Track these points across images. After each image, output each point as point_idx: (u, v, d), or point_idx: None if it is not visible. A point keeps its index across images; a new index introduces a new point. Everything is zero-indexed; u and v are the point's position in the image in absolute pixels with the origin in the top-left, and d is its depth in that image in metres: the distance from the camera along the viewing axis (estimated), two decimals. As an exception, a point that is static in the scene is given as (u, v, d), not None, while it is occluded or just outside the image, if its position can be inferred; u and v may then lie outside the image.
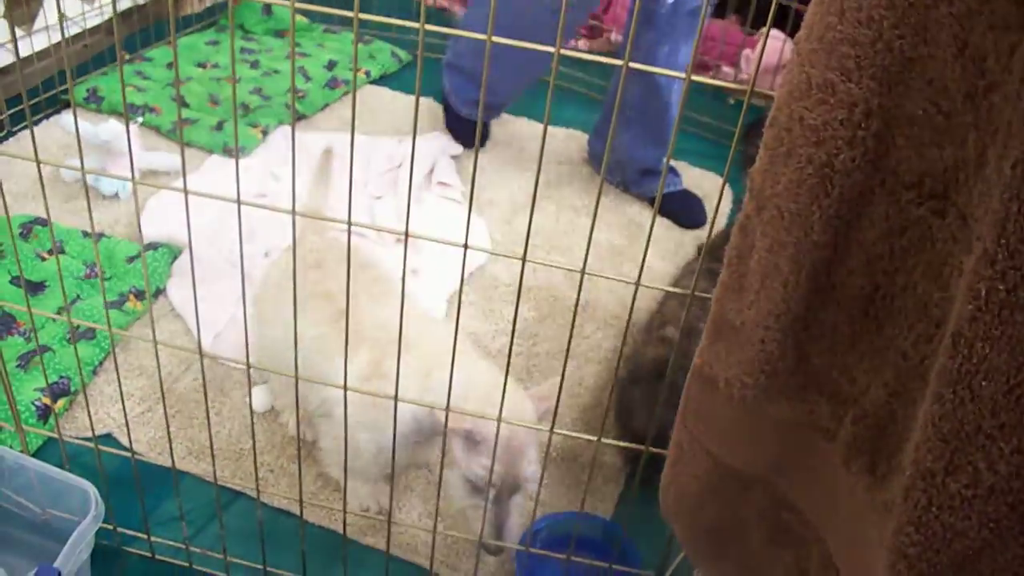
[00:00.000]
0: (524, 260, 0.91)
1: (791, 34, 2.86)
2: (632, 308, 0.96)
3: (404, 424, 1.22)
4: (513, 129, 2.61)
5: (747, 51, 2.93)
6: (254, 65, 2.70)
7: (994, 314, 0.58)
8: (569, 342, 0.96)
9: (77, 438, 1.49)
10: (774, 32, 2.86)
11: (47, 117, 2.37)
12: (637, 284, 0.92)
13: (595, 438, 1.05)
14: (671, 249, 2.22)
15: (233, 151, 2.30)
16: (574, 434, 1.09)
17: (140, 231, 1.96)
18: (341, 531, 1.42)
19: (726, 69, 2.96)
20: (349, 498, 1.44)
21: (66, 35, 2.45)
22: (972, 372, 0.60)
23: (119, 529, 1.34)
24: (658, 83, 2.21)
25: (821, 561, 0.86)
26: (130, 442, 1.36)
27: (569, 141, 2.61)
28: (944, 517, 0.65)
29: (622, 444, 1.15)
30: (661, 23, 2.11)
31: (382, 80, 2.79)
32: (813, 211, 0.71)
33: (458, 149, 2.42)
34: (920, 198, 0.67)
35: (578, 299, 0.93)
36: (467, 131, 2.50)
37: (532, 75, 2.36)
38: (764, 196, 0.75)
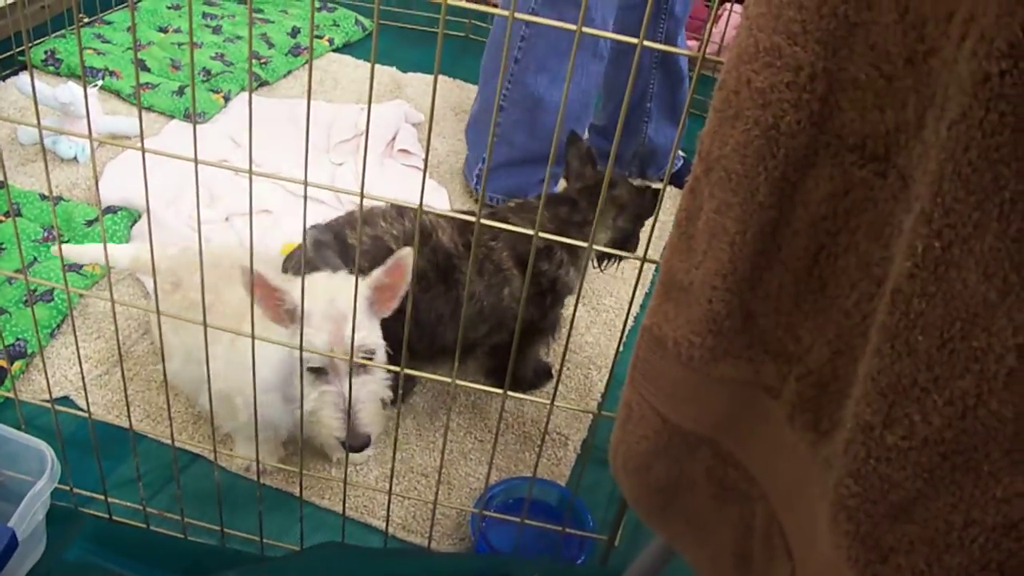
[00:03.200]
0: (479, 218, 0.92)
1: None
2: (636, 286, 0.97)
3: (271, 381, 1.27)
4: (462, 97, 2.60)
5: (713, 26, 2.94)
6: (216, 31, 2.68)
7: (930, 271, 0.60)
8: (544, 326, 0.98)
9: (34, 400, 1.49)
10: (737, 8, 2.87)
11: (3, 79, 2.34)
12: (643, 260, 0.94)
13: (547, 401, 1.07)
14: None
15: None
16: (527, 397, 1.11)
17: (98, 193, 1.95)
18: (297, 493, 1.43)
19: (690, 44, 2.97)
20: (242, 453, 1.48)
21: (24, -4, 2.42)
22: (909, 327, 0.62)
23: (76, 490, 1.34)
24: (678, 66, 2.25)
25: (766, 517, 0.89)
26: (87, 404, 1.35)
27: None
28: (882, 468, 0.67)
29: (574, 408, 1.17)
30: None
31: (345, 48, 2.78)
32: (759, 172, 0.73)
33: (419, 116, 2.42)
34: (863, 160, 0.69)
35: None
36: None
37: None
38: (712, 158, 0.76)
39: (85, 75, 0.99)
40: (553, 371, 1.73)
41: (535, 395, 1.68)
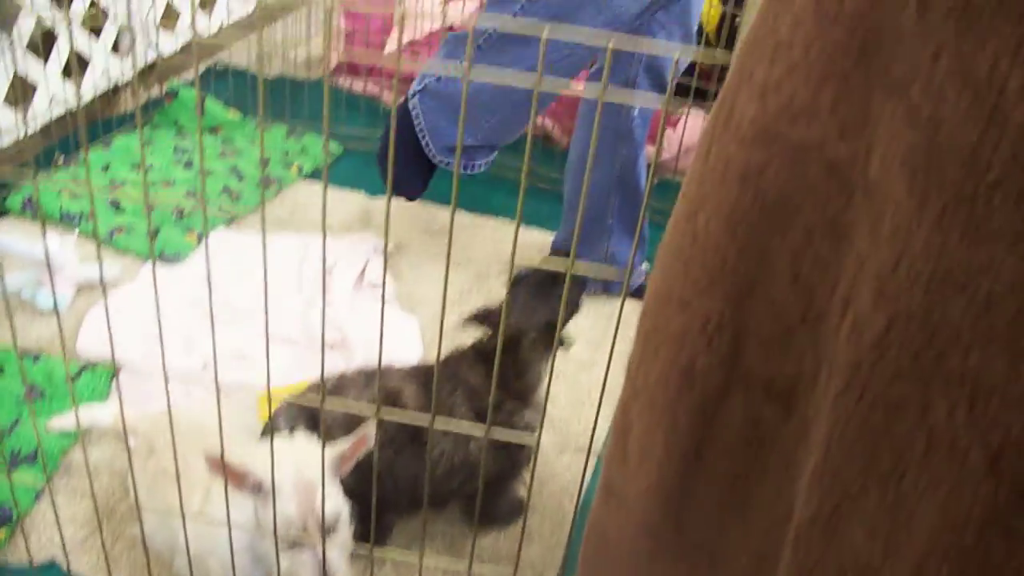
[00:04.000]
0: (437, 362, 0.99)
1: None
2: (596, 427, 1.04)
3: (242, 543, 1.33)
4: (444, 221, 2.68)
5: (668, 130, 3.05)
6: (188, 165, 2.76)
7: (824, 522, 0.67)
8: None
9: (21, 568, 1.54)
10: (695, 111, 2.98)
11: (-19, 228, 2.41)
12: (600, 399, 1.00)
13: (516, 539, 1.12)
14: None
15: (170, 259, 2.35)
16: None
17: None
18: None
19: (649, 148, 3.07)
20: None
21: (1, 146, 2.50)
22: (808, 570, 0.69)
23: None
24: (639, 184, 2.34)
25: None
26: (68, 569, 1.40)
27: (499, 230, 2.68)
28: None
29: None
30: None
31: (315, 174, 2.86)
32: (679, 405, 0.80)
33: (389, 246, 2.49)
34: (770, 399, 0.76)
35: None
36: (416, 179, 2.37)
37: (523, 118, 2.23)
38: (638, 385, 0.84)
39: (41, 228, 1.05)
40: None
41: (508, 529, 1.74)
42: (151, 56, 3.06)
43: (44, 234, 1.07)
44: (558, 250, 2.47)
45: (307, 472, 1.28)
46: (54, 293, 1.29)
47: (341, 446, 1.32)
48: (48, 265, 1.32)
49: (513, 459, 1.64)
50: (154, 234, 2.41)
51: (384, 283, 0.92)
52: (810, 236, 0.70)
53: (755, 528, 0.81)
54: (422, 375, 1.61)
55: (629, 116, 2.24)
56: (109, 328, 1.07)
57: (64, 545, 1.37)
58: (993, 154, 0.56)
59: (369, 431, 1.31)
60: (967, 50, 0.56)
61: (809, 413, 0.73)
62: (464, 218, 2.68)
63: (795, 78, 0.68)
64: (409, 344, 2.15)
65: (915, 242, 0.60)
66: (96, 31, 2.83)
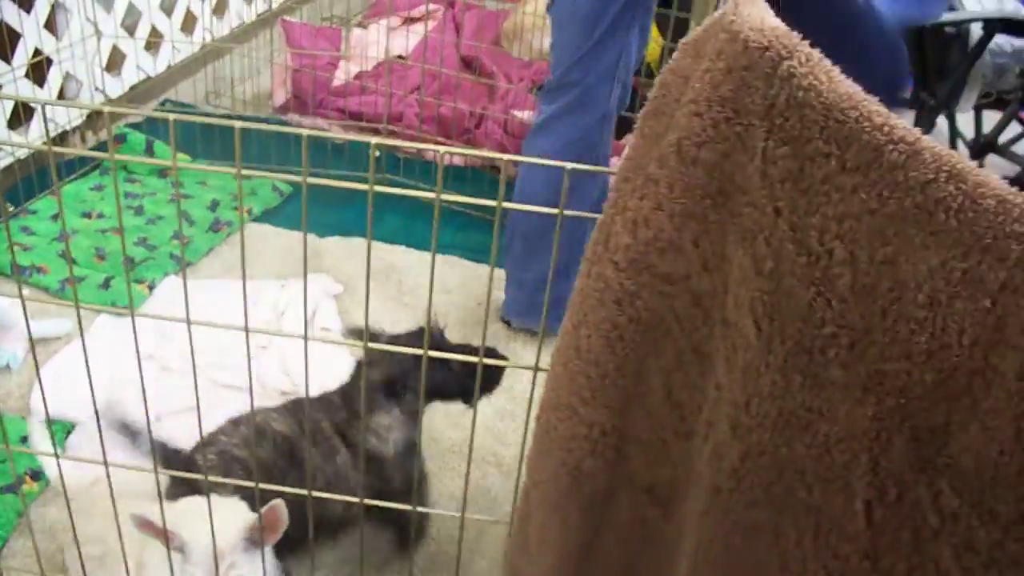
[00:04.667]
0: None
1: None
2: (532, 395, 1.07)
3: None
4: (391, 259, 2.72)
5: (614, 158, 3.12)
6: (138, 211, 2.79)
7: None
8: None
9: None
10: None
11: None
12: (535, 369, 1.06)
13: (457, 514, 1.19)
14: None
15: (122, 310, 2.39)
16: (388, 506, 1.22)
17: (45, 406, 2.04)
18: None
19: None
20: None
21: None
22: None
23: None
24: None
25: None
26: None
27: (446, 268, 2.71)
28: None
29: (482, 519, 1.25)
30: None
31: (264, 216, 2.90)
32: (570, 501, 0.87)
33: (338, 288, 2.54)
34: (652, 502, 0.83)
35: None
36: None
37: None
38: (534, 480, 0.90)
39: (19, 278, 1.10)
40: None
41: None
42: (99, 99, 3.09)
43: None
44: (508, 321, 2.50)
45: (221, 536, 1.33)
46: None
47: (253, 521, 1.37)
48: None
49: (389, 476, 1.70)
50: (105, 285, 2.45)
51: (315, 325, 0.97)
52: (680, 359, 0.77)
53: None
54: (290, 405, 1.74)
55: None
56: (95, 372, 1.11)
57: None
58: (825, 311, 0.62)
59: (278, 507, 1.35)
60: (800, 214, 0.63)
61: (683, 522, 0.79)
62: (413, 256, 2.73)
63: (661, 215, 0.74)
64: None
65: (763, 383, 0.67)
66: (40, 81, 2.86)
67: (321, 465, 1.65)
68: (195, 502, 1.41)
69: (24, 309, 1.11)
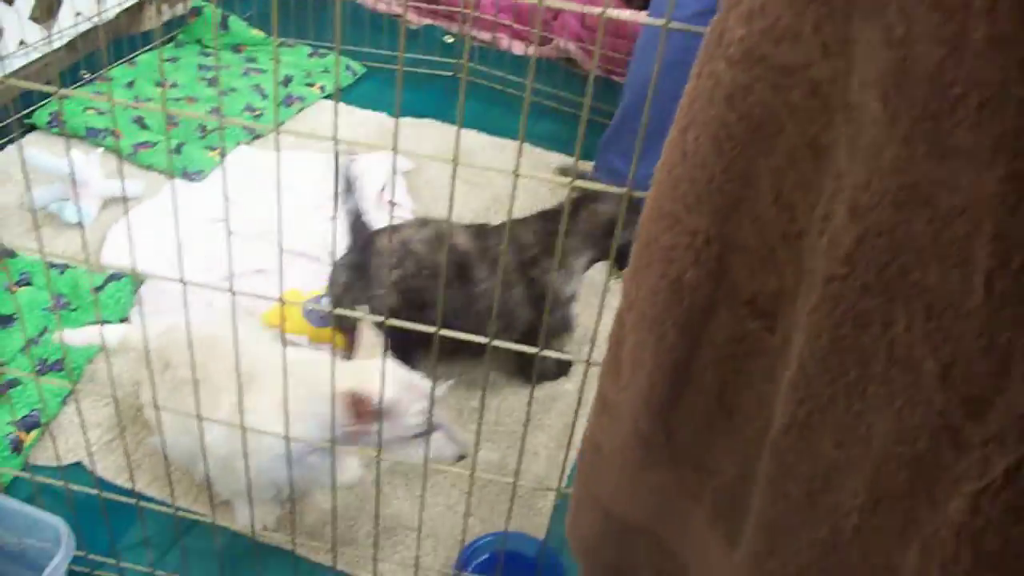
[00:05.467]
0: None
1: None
2: (582, 388, 1.07)
3: (273, 450, 1.37)
4: (463, 143, 2.69)
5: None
6: (212, 83, 2.78)
7: (797, 431, 0.71)
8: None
9: (49, 467, 1.61)
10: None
11: (10, 143, 2.45)
12: (587, 363, 1.04)
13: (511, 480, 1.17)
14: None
15: (192, 175, 2.39)
16: (492, 477, 1.21)
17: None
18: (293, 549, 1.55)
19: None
20: (237, 517, 1.60)
21: (28, 61, 2.53)
22: (783, 476, 0.72)
23: (90, 556, 1.45)
24: None
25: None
26: (96, 474, 1.46)
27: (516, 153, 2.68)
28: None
29: (536, 487, 1.27)
30: None
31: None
32: (667, 319, 0.83)
33: (409, 165, 2.52)
34: (754, 314, 0.79)
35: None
36: None
37: None
38: (631, 298, 0.87)
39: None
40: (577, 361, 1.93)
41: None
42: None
43: (69, 150, 1.10)
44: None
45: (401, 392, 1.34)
46: (79, 208, 1.33)
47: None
48: (74, 180, 1.35)
49: (540, 315, 1.79)
50: (177, 150, 2.44)
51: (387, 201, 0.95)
52: (792, 156, 0.72)
53: (739, 437, 0.84)
54: (475, 228, 1.83)
55: None
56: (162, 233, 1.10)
57: (89, 448, 1.43)
58: (957, 70, 0.58)
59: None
60: None
61: (789, 329, 0.76)
62: (483, 139, 2.70)
63: (780, 1, 0.70)
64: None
65: (885, 158, 0.62)
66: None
67: (490, 293, 1.75)
68: (369, 364, 1.41)
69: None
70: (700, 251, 0.80)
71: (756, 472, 0.83)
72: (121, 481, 1.64)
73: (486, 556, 1.51)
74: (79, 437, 1.71)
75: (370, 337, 1.45)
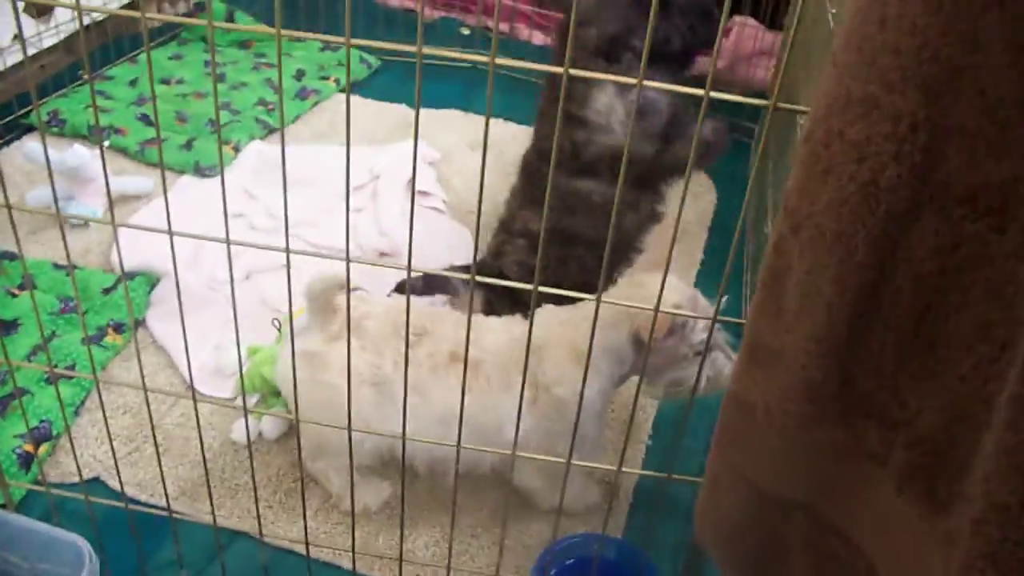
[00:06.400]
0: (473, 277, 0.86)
1: (762, 20, 2.83)
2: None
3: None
4: (491, 131, 2.54)
5: (724, 40, 2.90)
6: (220, 79, 2.63)
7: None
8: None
9: (64, 484, 1.44)
10: (748, 20, 2.83)
11: (8, 143, 2.29)
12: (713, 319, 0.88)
13: (614, 467, 1.01)
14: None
15: (205, 170, 2.23)
16: (592, 464, 1.05)
17: (121, 259, 1.89)
18: (350, 567, 1.37)
19: (701, 59, 2.91)
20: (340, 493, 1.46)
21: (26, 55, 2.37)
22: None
23: (115, 579, 1.28)
24: None
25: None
26: (121, 488, 1.29)
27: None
28: (1021, 553, 0.61)
29: (642, 472, 1.10)
30: None
31: (353, 88, 2.72)
32: (857, 231, 0.67)
33: (436, 155, 2.36)
34: (975, 213, 0.63)
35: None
36: None
37: None
38: (801, 215, 0.71)
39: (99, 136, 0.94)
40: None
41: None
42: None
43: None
44: None
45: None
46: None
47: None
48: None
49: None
50: (187, 145, 2.28)
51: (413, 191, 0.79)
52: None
53: (947, 378, 0.68)
54: None
55: None
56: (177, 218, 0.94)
57: (110, 460, 1.26)
58: None
59: None
60: None
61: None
62: (512, 129, 2.54)
63: None
64: (460, 251, 2.03)
65: None
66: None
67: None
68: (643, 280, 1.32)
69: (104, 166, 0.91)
70: (903, 141, 0.64)
71: (974, 428, 0.66)
72: (146, 498, 1.47)
73: (571, 560, 1.34)
74: (95, 450, 1.54)
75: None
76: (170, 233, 0.96)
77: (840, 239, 0.68)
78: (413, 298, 1.36)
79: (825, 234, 0.69)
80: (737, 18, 2.85)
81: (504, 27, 3.10)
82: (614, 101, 1.61)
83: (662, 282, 0.89)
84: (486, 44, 3.00)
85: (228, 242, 0.95)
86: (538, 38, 3.10)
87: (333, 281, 1.33)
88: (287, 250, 0.93)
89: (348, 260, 0.91)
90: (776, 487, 0.84)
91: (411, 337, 1.34)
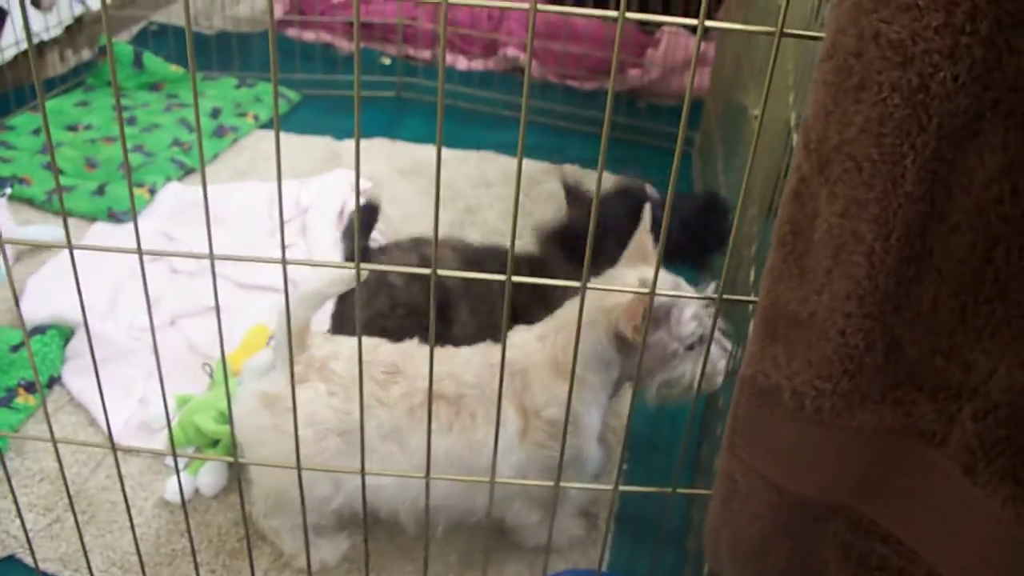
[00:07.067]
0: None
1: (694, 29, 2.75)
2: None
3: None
4: (420, 157, 2.44)
5: (650, 50, 2.81)
6: (131, 122, 2.47)
7: None
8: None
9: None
10: (678, 29, 2.75)
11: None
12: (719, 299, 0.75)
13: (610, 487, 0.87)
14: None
15: (119, 215, 2.07)
16: (589, 486, 0.91)
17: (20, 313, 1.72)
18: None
19: (632, 72, 2.83)
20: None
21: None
22: None
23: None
24: None
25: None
26: (36, 565, 1.12)
27: (483, 163, 2.44)
28: None
29: (644, 489, 0.97)
30: None
31: (272, 123, 2.59)
32: (904, 154, 0.55)
33: (366, 183, 2.23)
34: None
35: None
36: None
37: None
38: (829, 148, 0.58)
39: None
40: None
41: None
42: (78, 11, 2.76)
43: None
44: None
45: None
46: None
47: None
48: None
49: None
50: (99, 191, 2.12)
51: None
52: None
53: (1020, 328, 0.56)
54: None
55: None
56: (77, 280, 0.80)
57: (26, 534, 1.09)
58: None
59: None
60: None
61: None
62: (444, 153, 2.42)
63: None
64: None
65: None
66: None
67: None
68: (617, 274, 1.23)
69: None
70: (960, 32, 0.52)
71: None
72: (69, 574, 1.30)
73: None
74: (9, 524, 1.36)
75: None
76: (77, 282, 0.81)
77: (882, 167, 0.56)
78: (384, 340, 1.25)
79: (862, 165, 0.57)
80: (666, 28, 2.77)
81: (426, 54, 2.99)
82: None
83: (654, 274, 0.77)
84: (409, 72, 2.89)
85: (145, 287, 0.81)
86: (462, 63, 3.00)
87: (316, 295, 1.18)
88: (215, 290, 0.79)
89: (284, 262, 0.77)
90: (806, 489, 0.70)
91: (382, 376, 1.20)
